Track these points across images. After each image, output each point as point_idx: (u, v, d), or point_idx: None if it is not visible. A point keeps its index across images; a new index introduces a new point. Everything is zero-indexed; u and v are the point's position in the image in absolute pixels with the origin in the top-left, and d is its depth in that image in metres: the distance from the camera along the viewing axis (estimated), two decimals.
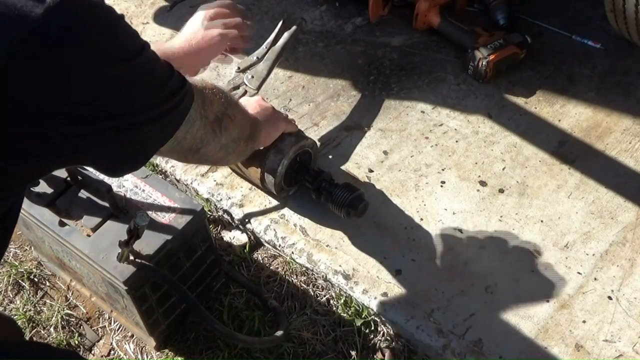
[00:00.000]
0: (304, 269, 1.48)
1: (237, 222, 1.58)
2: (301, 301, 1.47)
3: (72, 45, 0.76)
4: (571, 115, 1.75)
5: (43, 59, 0.74)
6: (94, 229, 1.26)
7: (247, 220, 1.56)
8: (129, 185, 1.33)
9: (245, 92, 1.56)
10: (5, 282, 1.58)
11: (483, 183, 1.59)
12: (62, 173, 1.28)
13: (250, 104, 1.40)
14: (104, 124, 0.82)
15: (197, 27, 1.42)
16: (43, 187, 1.28)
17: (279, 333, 1.35)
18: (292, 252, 1.49)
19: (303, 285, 1.49)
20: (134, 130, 0.87)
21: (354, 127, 1.74)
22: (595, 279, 1.41)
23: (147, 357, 1.44)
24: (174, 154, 1.06)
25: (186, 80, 0.95)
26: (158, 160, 1.68)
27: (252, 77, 1.57)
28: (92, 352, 1.48)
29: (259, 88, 1.58)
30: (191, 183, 1.64)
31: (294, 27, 1.64)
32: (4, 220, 0.92)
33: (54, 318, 1.50)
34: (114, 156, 0.91)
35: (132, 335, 1.48)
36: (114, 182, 1.31)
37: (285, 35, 1.63)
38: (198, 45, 1.40)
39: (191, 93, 0.96)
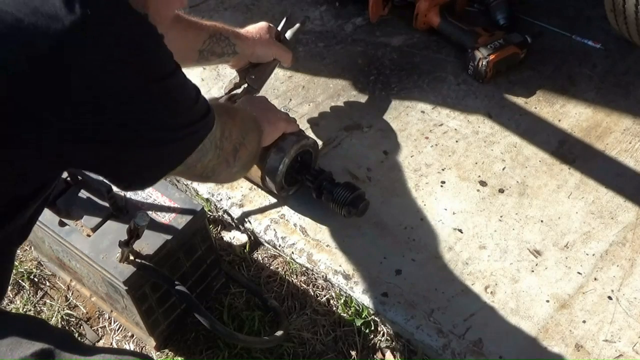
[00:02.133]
0: (304, 269, 1.48)
1: (237, 222, 1.58)
2: (301, 301, 1.47)
3: (101, 60, 0.76)
4: (571, 115, 1.75)
5: (76, 69, 0.74)
6: (94, 229, 1.25)
7: (247, 220, 1.56)
8: None
9: (247, 91, 1.56)
10: None
11: (483, 183, 1.59)
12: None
13: (253, 102, 1.40)
14: (122, 138, 0.83)
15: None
16: None
17: (279, 333, 1.35)
18: (292, 252, 1.49)
19: (303, 285, 1.49)
20: (146, 148, 0.87)
21: (354, 127, 1.74)
22: (595, 279, 1.41)
23: None
24: (184, 175, 1.06)
25: (210, 109, 0.95)
26: None
27: (254, 76, 1.57)
28: (97, 344, 1.47)
29: (260, 87, 1.58)
30: (191, 183, 1.64)
31: (296, 25, 1.64)
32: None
33: (54, 318, 1.50)
34: (124, 171, 0.91)
35: (132, 335, 1.47)
36: None
37: (288, 33, 1.63)
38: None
39: (211, 123, 0.96)
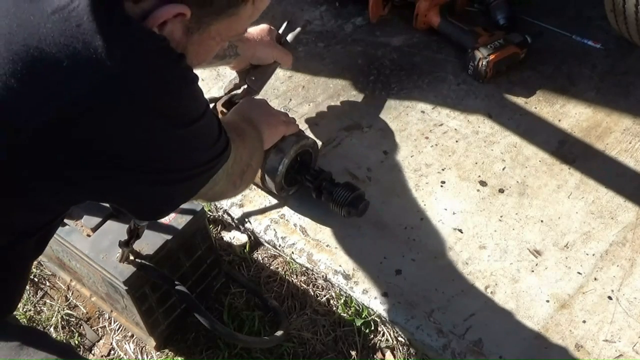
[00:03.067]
0: (304, 269, 1.48)
1: (237, 222, 1.58)
2: (301, 301, 1.47)
3: (138, 104, 0.76)
4: (571, 115, 1.75)
5: (109, 109, 0.74)
6: (94, 229, 1.26)
7: (247, 220, 1.56)
8: None
9: (246, 92, 1.56)
10: None
11: (483, 183, 1.59)
12: None
13: (253, 105, 1.40)
14: (143, 176, 0.84)
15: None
16: None
17: (279, 333, 1.35)
18: (292, 252, 1.49)
19: (303, 285, 1.49)
20: (164, 186, 0.88)
21: (354, 127, 1.74)
22: (595, 279, 1.41)
23: (147, 357, 1.44)
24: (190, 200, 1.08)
25: (228, 143, 0.96)
26: None
27: (254, 78, 1.57)
28: (92, 352, 1.47)
29: (260, 88, 1.58)
30: None
31: (297, 29, 1.65)
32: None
33: (54, 318, 1.50)
34: (138, 205, 0.93)
35: (132, 335, 1.47)
36: None
37: (289, 37, 1.63)
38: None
39: (228, 156, 0.97)
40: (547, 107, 1.77)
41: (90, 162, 0.78)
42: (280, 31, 1.63)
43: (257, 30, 1.53)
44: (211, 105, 1.51)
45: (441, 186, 1.59)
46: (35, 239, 0.94)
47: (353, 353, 1.39)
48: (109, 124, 0.75)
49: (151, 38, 0.78)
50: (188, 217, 1.29)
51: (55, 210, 0.92)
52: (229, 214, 1.59)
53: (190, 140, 0.86)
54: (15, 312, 1.51)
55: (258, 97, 1.57)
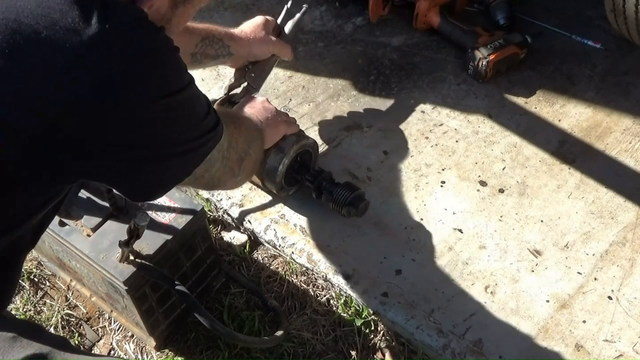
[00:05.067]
0: (304, 269, 1.48)
1: (236, 222, 1.58)
2: (301, 301, 1.47)
3: (120, 77, 0.76)
4: (571, 115, 1.75)
5: (88, 89, 0.74)
6: (94, 229, 1.25)
7: (247, 220, 1.56)
8: None
9: (246, 89, 1.56)
10: None
11: (483, 183, 1.59)
12: None
13: (254, 105, 1.40)
14: (128, 153, 0.83)
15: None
16: None
17: (279, 333, 1.35)
18: (292, 252, 1.49)
19: (303, 285, 1.49)
20: (155, 163, 0.87)
21: (354, 127, 1.74)
22: (595, 279, 1.41)
23: (147, 357, 1.44)
24: (190, 185, 1.07)
25: (219, 121, 0.96)
26: None
27: (254, 74, 1.56)
28: (92, 352, 1.47)
29: (259, 86, 1.58)
30: None
31: (297, 15, 1.59)
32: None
33: (54, 318, 1.50)
34: (131, 185, 0.92)
35: (132, 335, 1.47)
36: None
37: (289, 24, 1.59)
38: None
39: (220, 134, 0.96)
40: (547, 107, 1.77)
41: (80, 147, 0.78)
42: (279, 20, 1.59)
43: (250, 27, 1.50)
44: None
45: (441, 186, 1.59)
46: (30, 226, 0.92)
47: (353, 353, 1.39)
48: (92, 99, 0.75)
49: (128, 9, 0.78)
50: (188, 217, 1.29)
51: (47, 192, 0.90)
52: (229, 214, 1.59)
53: (178, 111, 0.85)
54: (15, 313, 1.52)
55: (258, 95, 1.57)
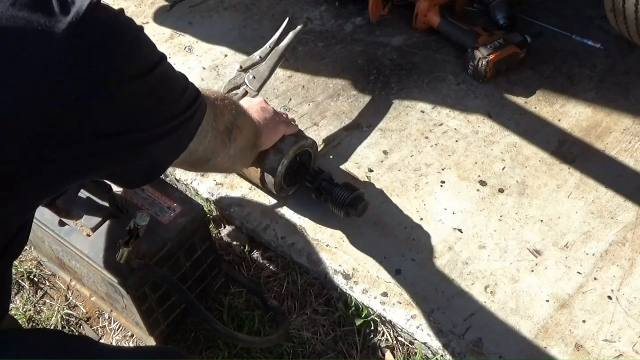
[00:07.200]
0: (304, 269, 1.48)
1: (236, 222, 1.58)
2: (301, 301, 1.47)
3: (96, 63, 0.75)
4: (571, 115, 1.75)
5: (67, 77, 0.73)
6: (94, 229, 1.25)
7: (247, 220, 1.56)
8: None
9: (246, 92, 1.57)
10: None
11: (483, 183, 1.59)
12: None
13: (252, 106, 1.40)
14: (123, 139, 0.82)
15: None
16: None
17: (279, 333, 1.35)
18: (292, 252, 1.49)
19: (303, 285, 1.49)
20: (151, 144, 0.87)
21: (354, 127, 1.74)
22: (595, 279, 1.41)
23: None
24: (185, 164, 1.07)
25: (200, 92, 0.96)
26: None
27: (254, 77, 1.57)
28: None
29: (259, 89, 1.58)
30: (191, 183, 1.64)
31: (299, 27, 1.64)
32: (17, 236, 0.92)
33: (54, 318, 1.50)
34: (131, 170, 0.91)
35: (132, 335, 1.47)
36: None
37: (290, 35, 1.63)
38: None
39: (204, 104, 0.97)
40: (547, 107, 1.77)
41: (79, 145, 0.77)
42: (280, 31, 1.62)
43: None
44: None
45: (441, 186, 1.59)
46: (20, 230, 0.91)
47: (353, 353, 1.39)
48: (86, 95, 0.74)
49: None
50: (188, 217, 1.29)
51: (46, 193, 0.89)
52: (229, 214, 1.59)
53: (162, 86, 0.85)
54: (15, 313, 1.52)
55: (258, 97, 1.57)
